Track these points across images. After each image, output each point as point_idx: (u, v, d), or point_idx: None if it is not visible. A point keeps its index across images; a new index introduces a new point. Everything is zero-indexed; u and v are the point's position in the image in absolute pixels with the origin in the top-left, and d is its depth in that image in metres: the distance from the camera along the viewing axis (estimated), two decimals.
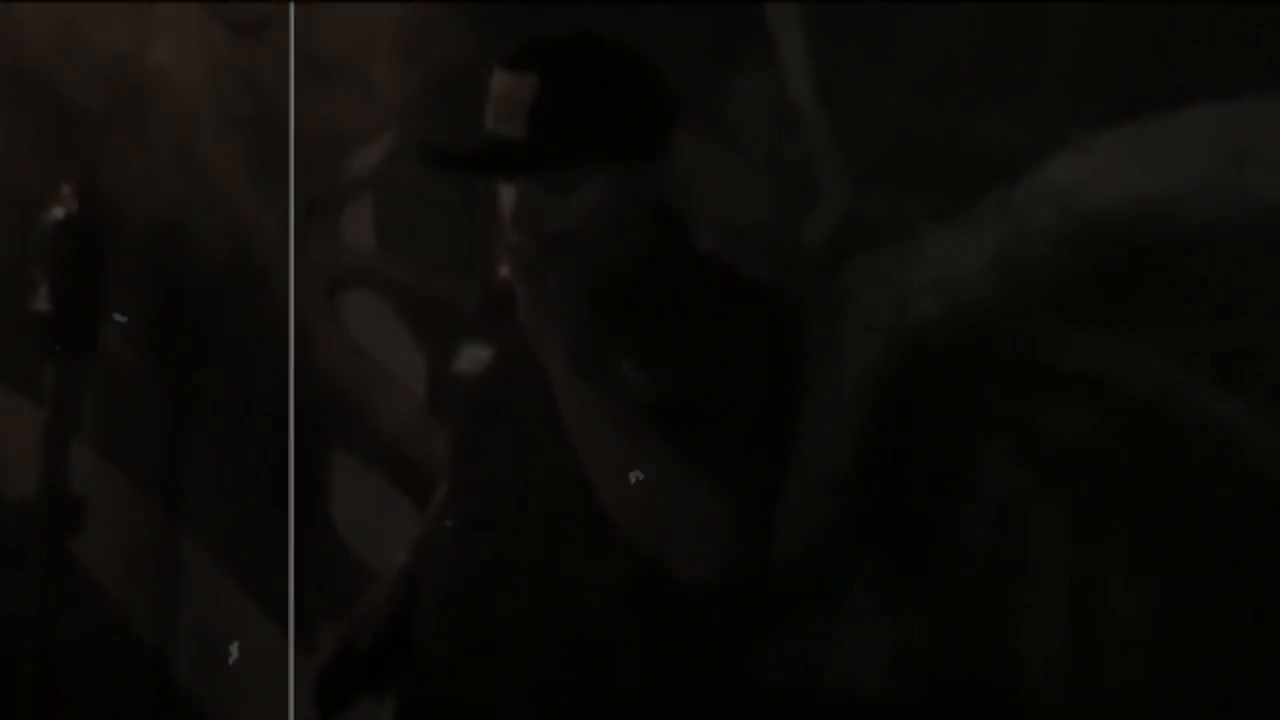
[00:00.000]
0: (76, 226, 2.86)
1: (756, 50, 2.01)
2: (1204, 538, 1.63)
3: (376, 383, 2.65)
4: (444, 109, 2.44)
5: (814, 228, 1.96)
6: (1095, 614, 1.71)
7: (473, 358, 1.76)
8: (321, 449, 2.73)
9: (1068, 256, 1.73)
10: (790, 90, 1.98)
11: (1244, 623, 1.60)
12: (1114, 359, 1.70)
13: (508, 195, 1.63)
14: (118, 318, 2.89)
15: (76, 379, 2.92)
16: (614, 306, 1.64)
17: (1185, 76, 1.64)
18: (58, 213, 2.86)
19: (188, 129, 2.94)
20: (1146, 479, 1.68)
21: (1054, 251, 1.74)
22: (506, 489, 1.68)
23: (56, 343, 2.87)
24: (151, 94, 3.01)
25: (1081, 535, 1.72)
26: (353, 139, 2.67)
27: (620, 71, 1.63)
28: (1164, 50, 1.66)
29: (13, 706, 2.93)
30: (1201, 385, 1.63)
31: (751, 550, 1.58)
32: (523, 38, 1.66)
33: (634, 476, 1.50)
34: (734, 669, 1.72)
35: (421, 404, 2.53)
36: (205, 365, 2.96)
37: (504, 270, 1.56)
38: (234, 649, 2.60)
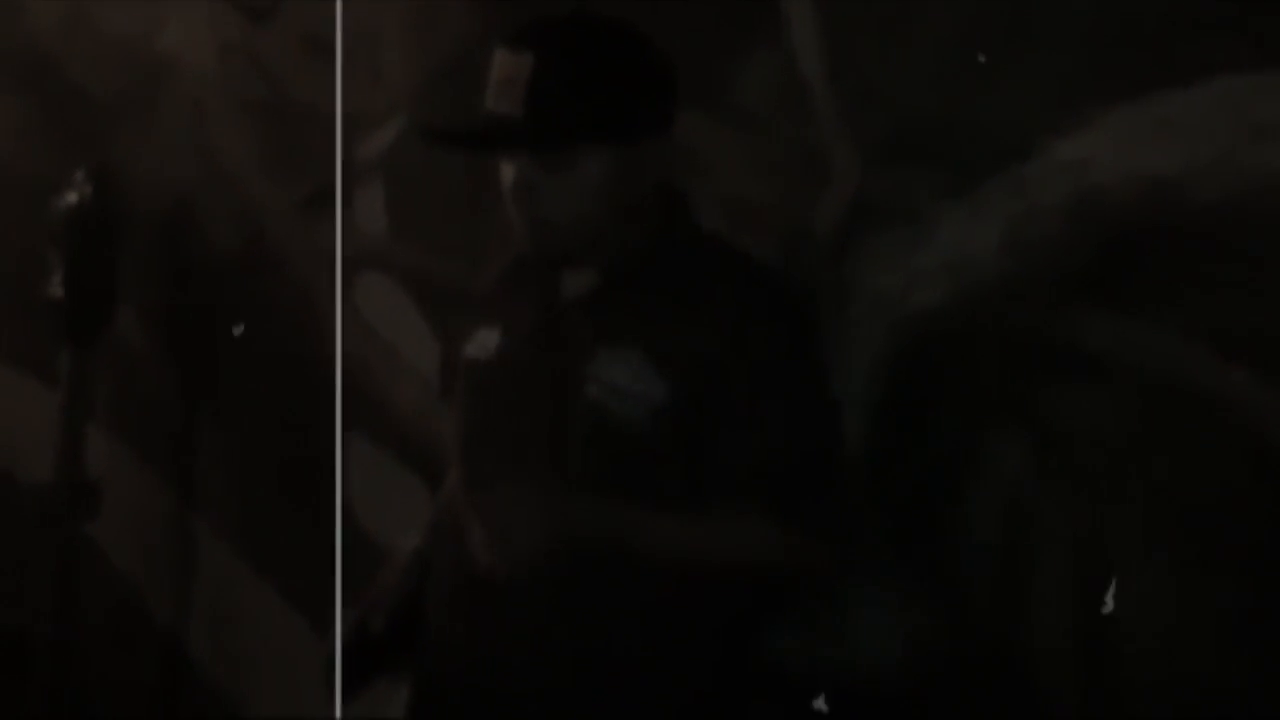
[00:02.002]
0: (89, 212, 2.86)
1: (766, 30, 2.00)
2: (1217, 517, 1.62)
3: (388, 365, 2.65)
4: (452, 92, 2.43)
5: (823, 209, 1.95)
6: (1108, 595, 1.71)
7: (482, 343, 1.76)
8: (333, 430, 2.74)
9: (1078, 235, 1.73)
10: (800, 70, 1.97)
11: (1258, 603, 1.60)
12: (1125, 338, 1.69)
13: (507, 174, 1.64)
14: (237, 330, 2.87)
15: (91, 364, 2.93)
16: (620, 295, 1.65)
17: (1195, 52, 1.63)
18: (70, 198, 2.87)
19: (199, 114, 2.94)
20: (1159, 458, 1.67)
21: (1064, 230, 1.73)
22: (523, 470, 1.68)
23: (70, 328, 2.88)
24: (162, 79, 3.01)
25: (1094, 517, 1.72)
26: (363, 123, 2.67)
27: (617, 50, 1.64)
28: (1174, 26, 1.64)
29: (30, 688, 2.95)
30: (1214, 363, 1.62)
31: (829, 543, 1.64)
32: (526, 18, 1.66)
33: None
34: (746, 653, 1.72)
35: (433, 385, 2.54)
36: (218, 349, 2.97)
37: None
38: None
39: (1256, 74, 1.58)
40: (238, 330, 2.86)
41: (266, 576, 2.86)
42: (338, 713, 1.80)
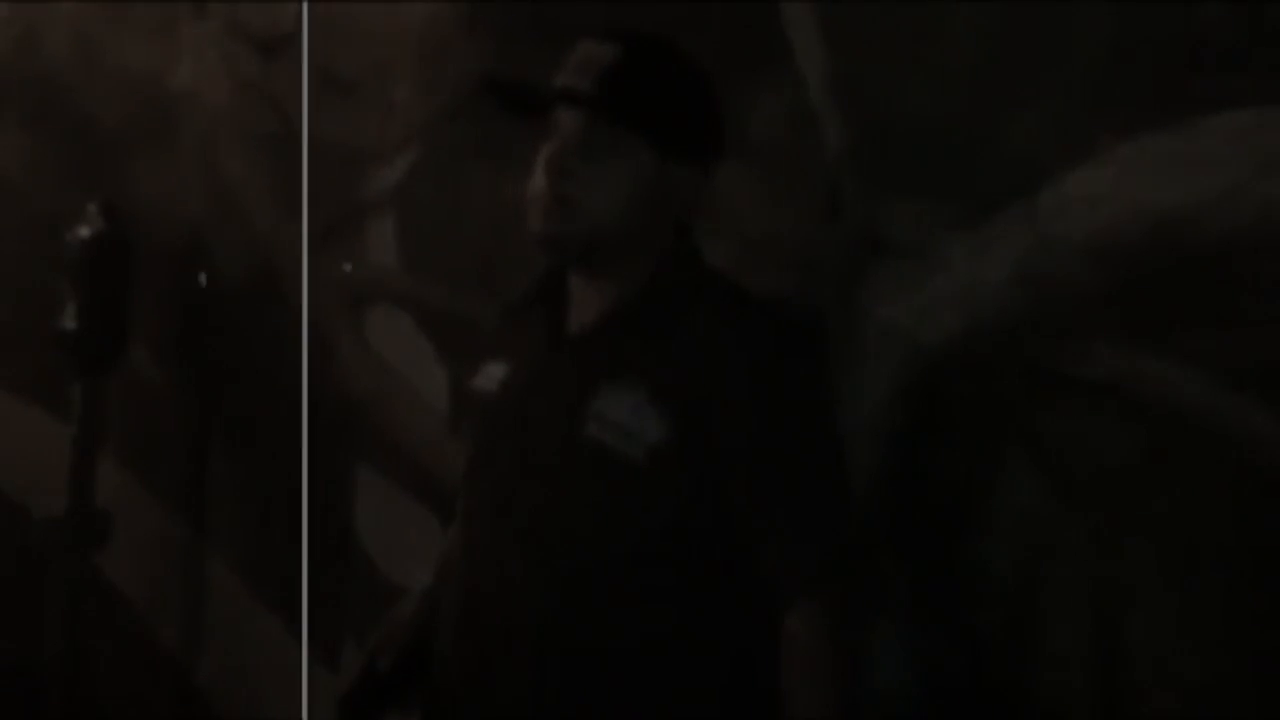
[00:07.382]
0: (102, 244, 2.88)
1: (775, 64, 2.01)
2: (1231, 549, 1.62)
3: (399, 397, 2.66)
4: (465, 126, 2.45)
5: (833, 240, 1.96)
6: (1121, 626, 1.70)
7: (491, 375, 1.77)
8: (344, 463, 2.74)
9: (1088, 267, 1.73)
10: (809, 103, 1.98)
11: (1271, 636, 1.60)
12: (1137, 370, 1.69)
13: (545, 152, 1.66)
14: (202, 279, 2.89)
15: (102, 396, 2.94)
16: (624, 332, 1.65)
17: (1208, 84, 1.63)
18: (83, 231, 2.88)
19: (211, 147, 2.96)
20: (1171, 490, 1.67)
21: (1075, 262, 1.74)
22: (522, 506, 1.68)
23: (82, 360, 2.89)
24: (175, 113, 3.03)
25: (1106, 547, 1.72)
26: (373, 156, 2.68)
27: (694, 82, 1.70)
28: (1187, 57, 1.65)
29: (40, 718, 2.95)
30: (1226, 395, 1.62)
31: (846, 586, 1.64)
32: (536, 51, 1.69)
33: None
34: (755, 685, 1.72)
35: (444, 418, 2.54)
36: (229, 381, 2.98)
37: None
38: None
39: (1263, 108, 1.59)
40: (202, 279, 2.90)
41: (275, 608, 2.86)
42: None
